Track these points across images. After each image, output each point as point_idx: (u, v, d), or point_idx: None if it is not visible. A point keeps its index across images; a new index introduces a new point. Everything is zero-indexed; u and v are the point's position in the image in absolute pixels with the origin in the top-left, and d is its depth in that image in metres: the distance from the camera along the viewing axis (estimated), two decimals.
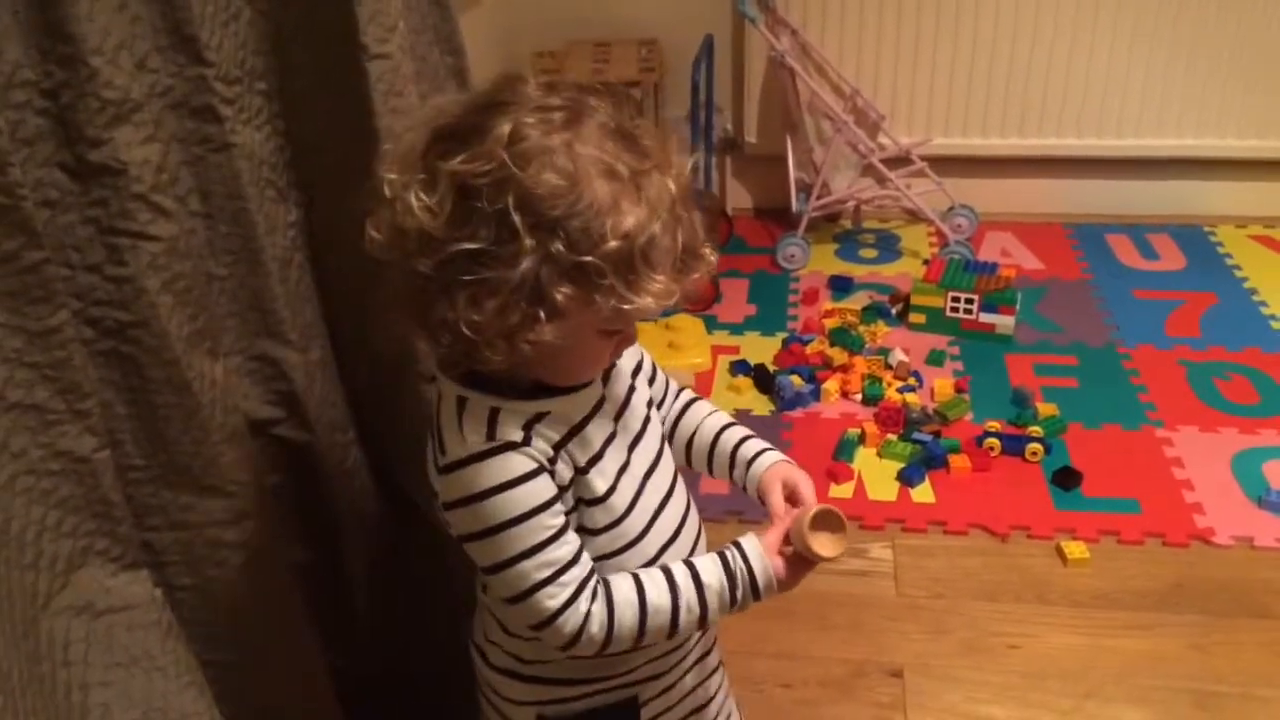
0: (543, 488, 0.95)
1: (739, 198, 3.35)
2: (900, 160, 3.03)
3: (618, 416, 1.04)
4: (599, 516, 1.01)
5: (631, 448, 1.05)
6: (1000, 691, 1.74)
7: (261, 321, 1.10)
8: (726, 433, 1.17)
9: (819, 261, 3.07)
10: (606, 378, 1.04)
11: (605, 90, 0.91)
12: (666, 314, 2.72)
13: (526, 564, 0.94)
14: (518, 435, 0.94)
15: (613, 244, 0.84)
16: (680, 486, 1.11)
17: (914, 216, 3.17)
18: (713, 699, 1.23)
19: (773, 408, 2.46)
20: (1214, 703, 1.70)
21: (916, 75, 3.08)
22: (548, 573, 0.95)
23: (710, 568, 1.01)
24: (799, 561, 1.03)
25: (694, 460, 1.19)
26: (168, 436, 0.94)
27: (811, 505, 1.03)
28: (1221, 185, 3.15)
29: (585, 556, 0.98)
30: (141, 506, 0.95)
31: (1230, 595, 1.90)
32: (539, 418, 0.96)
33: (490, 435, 0.94)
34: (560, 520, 0.96)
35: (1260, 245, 3.05)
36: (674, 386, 1.20)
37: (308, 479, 1.19)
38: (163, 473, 0.95)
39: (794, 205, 3.04)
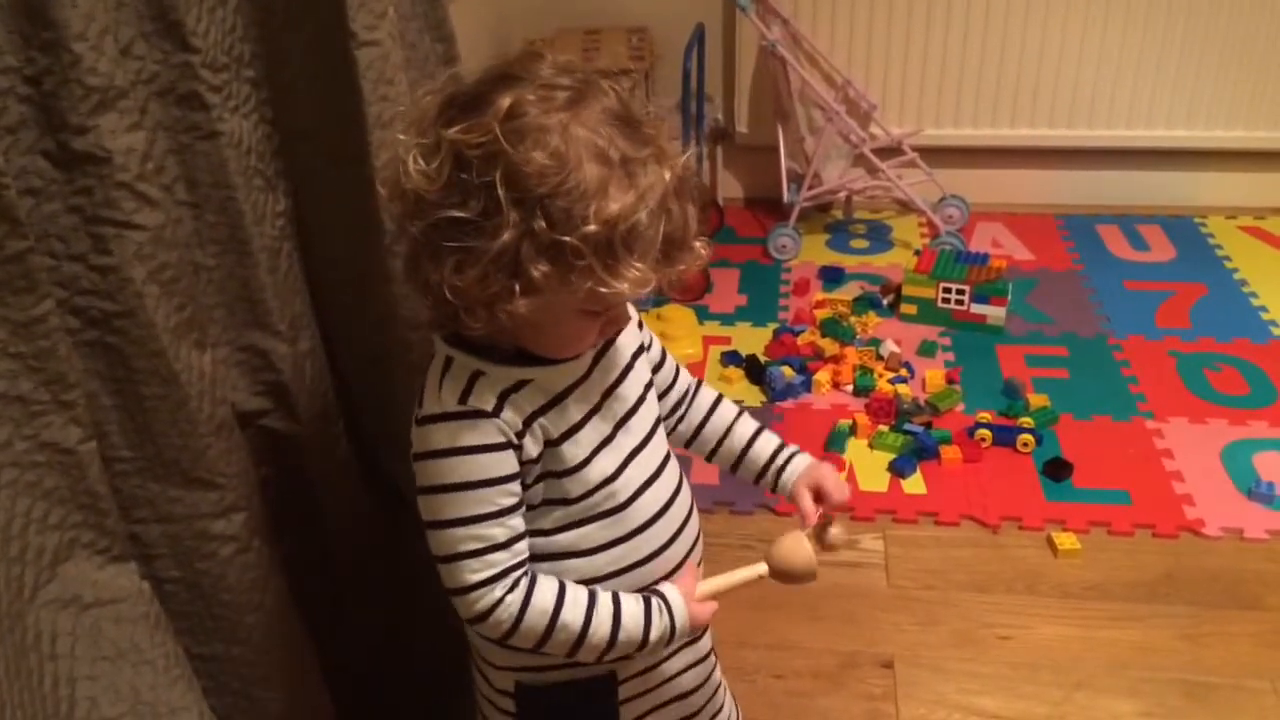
0: (500, 463, 0.97)
1: (730, 188, 3.34)
2: (892, 150, 3.03)
3: (607, 393, 1.05)
4: (571, 487, 1.03)
5: (619, 425, 1.06)
6: (991, 682, 1.74)
7: (250, 312, 1.09)
8: (758, 442, 1.21)
9: (810, 252, 3.07)
10: (603, 354, 1.05)
11: (621, 76, 0.93)
12: (657, 303, 2.72)
13: (459, 531, 0.97)
14: (490, 404, 0.96)
15: (593, 227, 0.86)
16: (672, 468, 1.12)
17: (905, 207, 3.17)
18: (699, 688, 1.22)
19: (764, 399, 2.46)
20: (1204, 693, 1.70)
21: (908, 65, 3.08)
22: (474, 546, 0.97)
23: (633, 609, 1.04)
24: (707, 606, 1.09)
25: (719, 460, 1.23)
26: (155, 428, 0.93)
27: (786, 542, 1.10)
28: (1212, 176, 3.16)
29: (521, 546, 1.00)
30: (128, 498, 0.94)
31: (1220, 586, 1.90)
32: (518, 386, 0.98)
33: (463, 399, 0.96)
34: (508, 501, 0.98)
35: (1250, 236, 3.05)
36: (686, 376, 1.21)
37: (296, 470, 1.18)
38: (150, 464, 0.95)
39: (785, 195, 3.04)
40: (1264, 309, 2.71)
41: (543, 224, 0.86)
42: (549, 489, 1.03)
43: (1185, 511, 2.07)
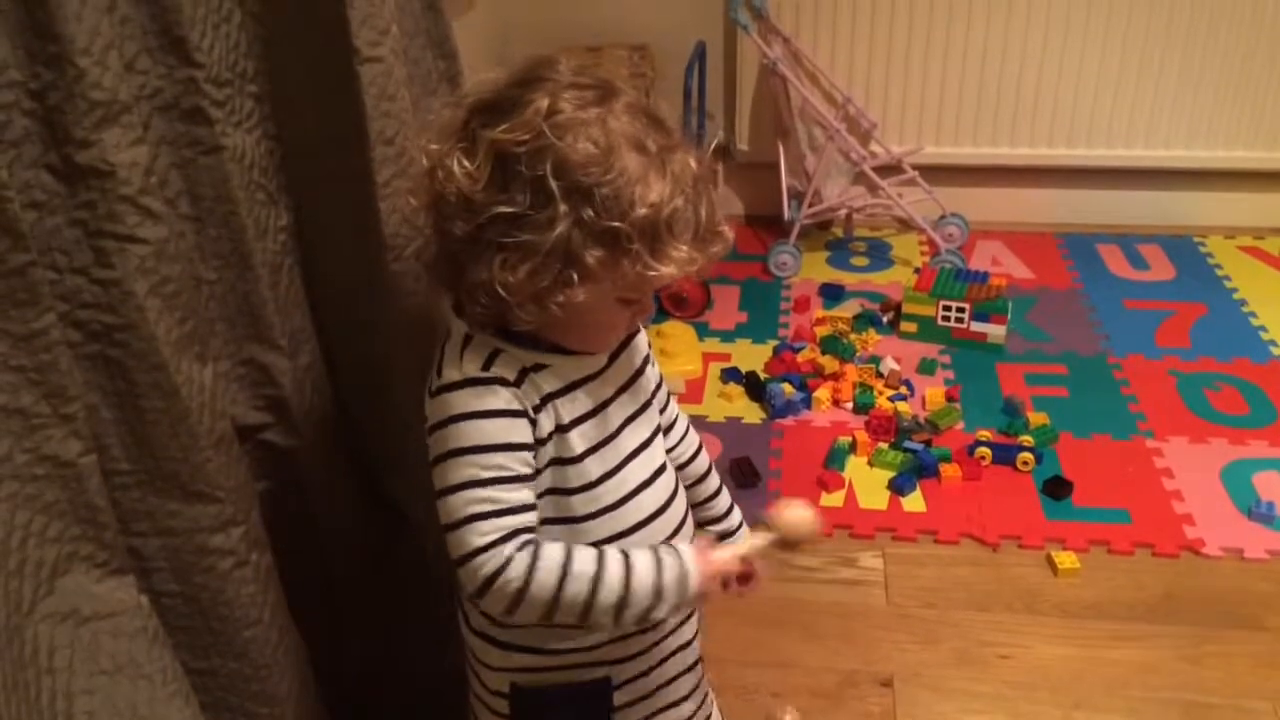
0: (517, 429, 0.99)
1: (730, 205, 3.34)
2: (892, 169, 3.04)
3: (620, 390, 1.08)
4: (572, 476, 1.04)
5: (625, 423, 1.08)
6: (990, 702, 1.74)
7: (251, 326, 1.09)
8: (720, 496, 1.28)
9: (810, 269, 3.07)
10: (620, 352, 1.09)
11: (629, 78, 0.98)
12: (657, 320, 2.72)
13: (471, 493, 0.97)
14: (512, 375, 0.99)
15: (641, 211, 0.91)
16: (669, 474, 1.14)
17: (905, 225, 3.17)
18: (689, 695, 1.22)
19: (763, 416, 2.46)
20: (1203, 714, 1.70)
21: (908, 84, 3.08)
22: (487, 508, 0.97)
23: (644, 559, 1.00)
24: (721, 564, 1.04)
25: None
26: (155, 441, 0.93)
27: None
28: (1211, 196, 3.16)
29: (531, 517, 0.99)
30: (128, 512, 0.94)
31: (1220, 606, 1.90)
32: (536, 368, 1.01)
33: (486, 367, 0.99)
34: (522, 469, 0.99)
35: (1250, 256, 3.06)
36: (675, 407, 1.24)
37: (295, 484, 1.18)
38: (149, 478, 0.94)
39: (786, 213, 3.04)
40: (1263, 329, 2.71)
41: (593, 211, 0.90)
42: (554, 476, 1.04)
43: (1185, 531, 2.06)
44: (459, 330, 1.02)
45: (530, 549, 0.97)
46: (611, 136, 0.91)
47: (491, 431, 0.98)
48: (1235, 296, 2.86)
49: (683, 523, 1.14)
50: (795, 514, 1.07)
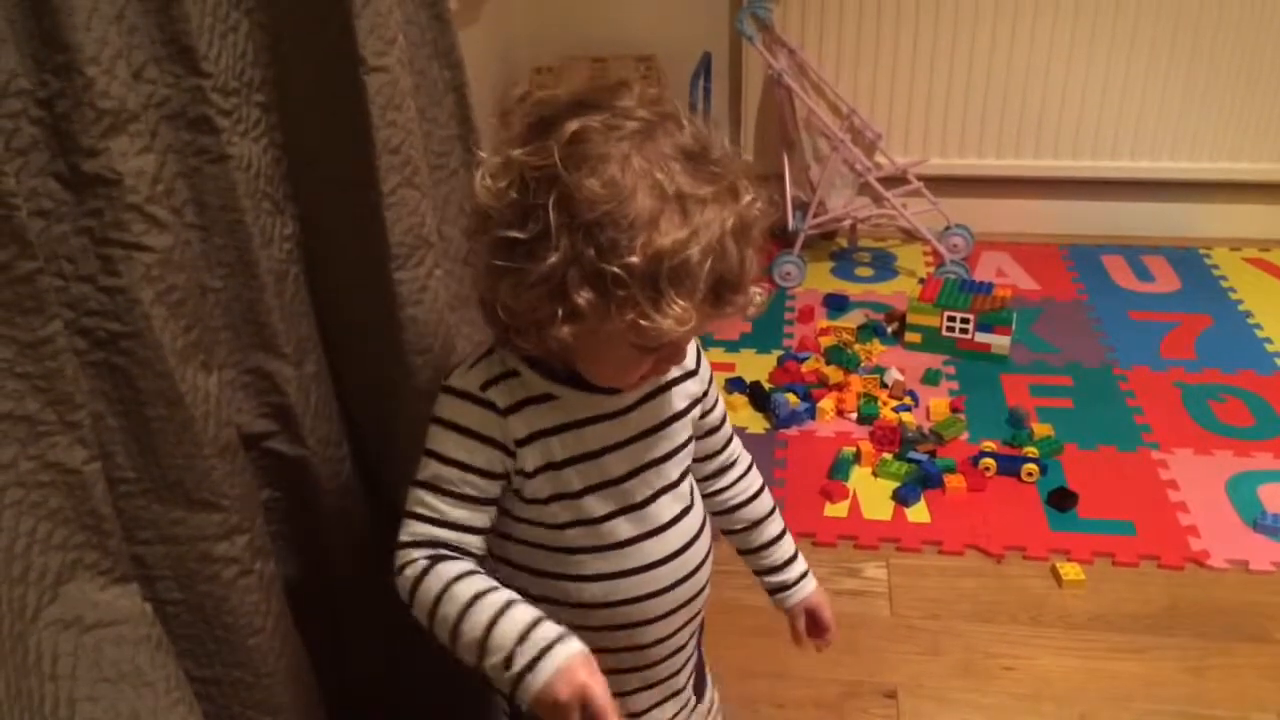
0: (479, 455, 0.99)
1: None
2: (897, 179, 3.04)
3: (640, 436, 1.05)
4: (560, 513, 1.03)
5: (640, 469, 1.06)
6: (994, 713, 1.73)
7: (256, 334, 1.09)
8: (782, 542, 1.24)
9: (815, 280, 3.07)
10: (651, 398, 1.05)
11: (704, 116, 0.93)
12: None
13: (422, 493, 1.00)
14: (503, 404, 0.99)
15: (639, 259, 0.85)
16: (687, 524, 1.10)
17: (910, 236, 3.18)
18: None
19: (768, 426, 2.46)
20: None
21: (913, 95, 3.09)
22: (423, 511, 1.00)
23: (521, 615, 0.93)
24: (563, 709, 0.90)
25: (734, 540, 1.25)
26: (159, 449, 0.93)
27: None
28: (1217, 208, 3.16)
29: (464, 536, 1.00)
30: (132, 520, 0.94)
31: (1225, 619, 1.89)
32: (543, 398, 1.00)
33: (484, 388, 1.00)
34: (474, 492, 1.00)
35: (1255, 268, 3.06)
36: (736, 448, 1.21)
37: (301, 493, 1.18)
38: (154, 486, 0.95)
39: (790, 223, 3.05)
40: (1269, 340, 2.70)
41: (591, 252, 0.86)
42: (564, 511, 1.03)
43: (1190, 543, 2.06)
44: (488, 339, 1.03)
45: (436, 563, 0.97)
46: (629, 175, 0.86)
47: (457, 447, 0.99)
48: (1240, 308, 2.86)
49: (697, 569, 1.11)
50: None
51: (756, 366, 2.67)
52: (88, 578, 0.88)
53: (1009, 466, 2.24)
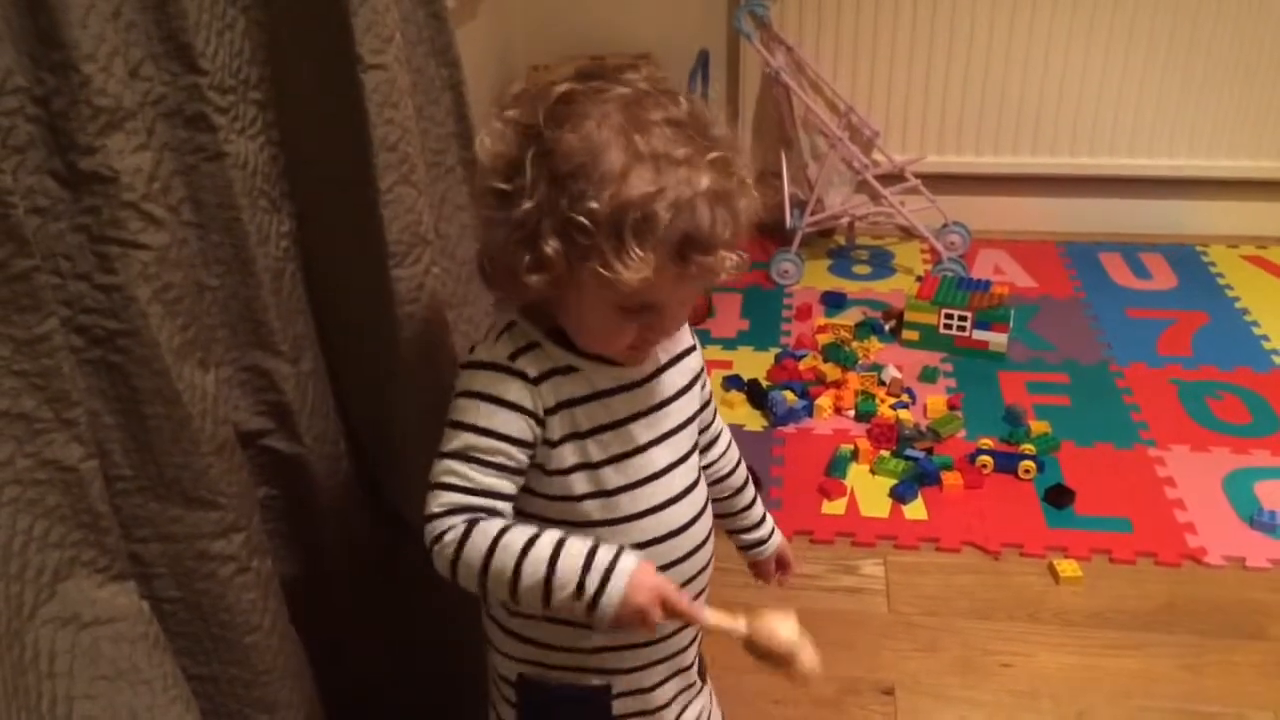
0: (513, 423, 1.00)
1: None
2: (894, 177, 3.04)
3: (649, 410, 1.08)
4: (580, 484, 1.04)
5: (653, 442, 1.08)
6: (992, 710, 1.73)
7: (253, 332, 1.09)
8: (756, 505, 1.30)
9: (812, 277, 3.07)
10: (666, 370, 1.09)
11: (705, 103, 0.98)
12: None
13: (451, 463, 1.00)
14: (533, 373, 1.01)
15: (606, 209, 0.89)
16: (696, 496, 1.13)
17: (907, 233, 3.18)
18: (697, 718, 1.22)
19: (765, 423, 2.46)
20: None
21: (911, 92, 3.09)
22: (456, 481, 1.00)
23: (578, 544, 0.97)
24: (646, 614, 0.96)
25: (716, 507, 1.25)
26: (156, 447, 0.93)
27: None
28: (1214, 205, 3.17)
29: (497, 503, 1.00)
30: (129, 517, 0.94)
31: (1222, 616, 1.89)
32: (566, 370, 1.02)
33: (513, 357, 1.01)
34: (506, 461, 1.00)
35: (1252, 265, 3.06)
36: (720, 423, 1.26)
37: (298, 491, 1.18)
38: (151, 484, 0.95)
39: (788, 221, 3.05)
40: (1266, 338, 2.71)
41: (563, 202, 0.90)
42: (585, 481, 1.05)
43: (1187, 540, 2.06)
44: (505, 317, 1.05)
45: (473, 523, 0.99)
46: (606, 132, 0.90)
47: (490, 417, 1.00)
48: (1237, 305, 2.86)
49: (704, 543, 1.14)
50: (775, 626, 0.98)
51: (754, 364, 2.67)
52: (85, 575, 0.88)
53: (1006, 464, 2.24)
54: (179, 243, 0.96)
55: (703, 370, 1.18)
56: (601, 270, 0.90)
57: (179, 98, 0.97)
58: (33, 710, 0.82)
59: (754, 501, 1.30)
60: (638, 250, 0.90)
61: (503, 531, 0.97)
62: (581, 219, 0.89)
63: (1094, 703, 1.74)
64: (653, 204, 0.89)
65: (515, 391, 1.00)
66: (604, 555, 0.96)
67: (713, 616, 1.00)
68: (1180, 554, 2.03)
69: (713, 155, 0.92)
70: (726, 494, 1.27)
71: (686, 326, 1.15)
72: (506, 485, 1.01)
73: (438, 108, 1.26)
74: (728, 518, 1.28)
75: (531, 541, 0.96)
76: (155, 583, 0.97)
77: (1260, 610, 1.90)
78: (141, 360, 0.90)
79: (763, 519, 1.31)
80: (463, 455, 1.00)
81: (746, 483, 1.29)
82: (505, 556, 0.96)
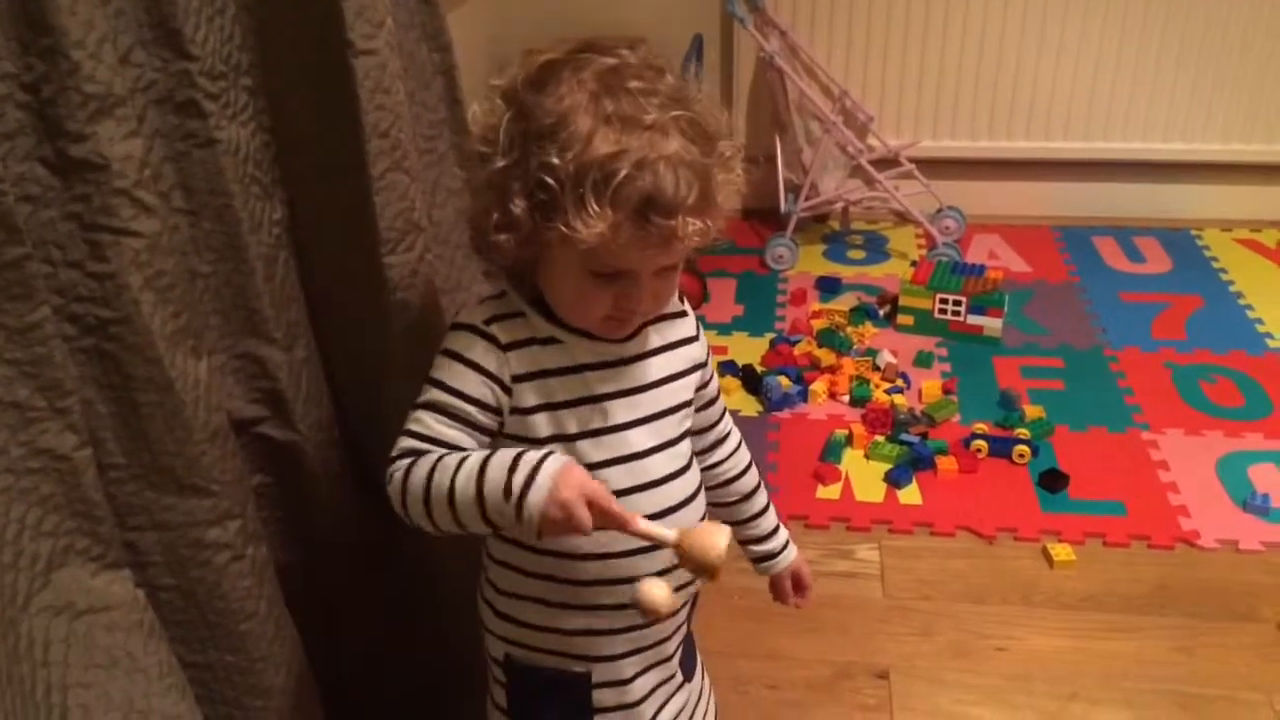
0: (476, 386, 1.03)
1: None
2: (889, 162, 3.04)
3: (628, 392, 1.08)
4: (570, 454, 1.03)
5: (635, 423, 1.08)
6: (986, 693, 1.74)
7: (246, 319, 1.09)
8: (768, 513, 1.29)
9: (807, 262, 3.07)
10: (658, 354, 1.10)
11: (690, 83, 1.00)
12: None
13: (418, 412, 1.04)
14: (506, 339, 1.03)
15: (570, 167, 0.91)
16: (684, 482, 1.12)
17: (902, 218, 3.18)
18: (676, 715, 1.22)
19: (760, 408, 2.46)
20: (1199, 706, 1.70)
21: (905, 77, 3.08)
22: (418, 429, 1.03)
23: (506, 453, 0.96)
24: (572, 511, 0.92)
25: (724, 512, 1.27)
26: (150, 435, 0.93)
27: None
28: (1208, 189, 3.17)
29: (443, 453, 1.01)
30: (123, 506, 0.94)
31: (1215, 598, 1.90)
32: (548, 341, 1.04)
33: (488, 322, 1.04)
34: (467, 418, 1.03)
35: (1246, 249, 3.06)
36: (728, 424, 1.25)
37: (291, 478, 1.18)
38: (145, 472, 0.95)
39: (782, 206, 3.04)
40: (1259, 321, 2.71)
41: (532, 162, 0.93)
42: (562, 451, 1.04)
43: (1181, 523, 2.07)
44: (499, 286, 1.08)
45: (417, 455, 1.01)
46: (577, 96, 0.93)
47: (457, 376, 1.03)
48: (1232, 289, 2.86)
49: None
50: (715, 539, 0.95)
51: (749, 349, 2.67)
52: (79, 564, 0.88)
53: (1000, 448, 2.25)
54: (170, 230, 0.95)
55: (707, 364, 1.17)
56: (563, 229, 0.92)
57: (169, 84, 0.97)
58: (27, 699, 0.82)
59: (765, 510, 1.28)
60: (595, 206, 0.91)
61: (440, 457, 0.99)
62: (546, 177, 0.92)
63: (1087, 685, 1.75)
64: (614, 164, 0.90)
65: (480, 353, 1.03)
66: (531, 455, 0.95)
67: (644, 524, 0.97)
68: (1173, 537, 2.04)
69: (684, 122, 0.94)
70: (734, 498, 1.26)
71: (692, 316, 1.15)
72: (466, 439, 1.03)
73: (429, 93, 1.25)
74: (736, 525, 1.26)
75: (466, 456, 0.98)
76: (149, 570, 0.97)
77: (1252, 593, 1.91)
78: (134, 348, 0.90)
79: (775, 530, 1.29)
80: (428, 406, 1.03)
81: (758, 489, 1.27)
82: (442, 475, 0.97)
